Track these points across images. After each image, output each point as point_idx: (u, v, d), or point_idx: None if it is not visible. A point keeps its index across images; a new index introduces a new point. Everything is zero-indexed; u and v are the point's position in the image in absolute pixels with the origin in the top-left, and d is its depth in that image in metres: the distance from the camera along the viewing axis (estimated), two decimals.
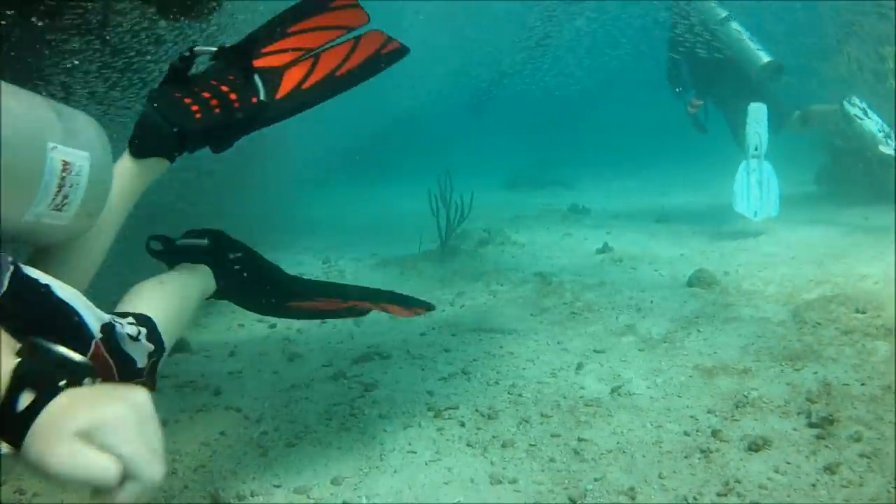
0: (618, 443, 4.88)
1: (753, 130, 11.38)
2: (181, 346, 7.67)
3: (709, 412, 5.16)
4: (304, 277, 4.26)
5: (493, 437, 5.12)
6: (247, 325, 8.67)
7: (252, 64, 3.42)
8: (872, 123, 11.42)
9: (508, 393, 5.81)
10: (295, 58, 3.47)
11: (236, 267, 3.79)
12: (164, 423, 5.61)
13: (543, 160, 25.02)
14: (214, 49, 3.42)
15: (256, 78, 3.38)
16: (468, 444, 5.05)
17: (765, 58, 11.95)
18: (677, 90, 12.99)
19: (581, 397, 5.63)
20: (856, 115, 11.57)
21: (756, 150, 11.38)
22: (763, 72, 12.04)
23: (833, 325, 6.64)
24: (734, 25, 12.27)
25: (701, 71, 12.67)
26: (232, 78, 3.36)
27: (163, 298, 3.12)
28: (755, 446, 4.55)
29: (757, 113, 11.44)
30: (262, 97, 3.33)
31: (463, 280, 9.85)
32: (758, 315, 7.18)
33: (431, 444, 5.11)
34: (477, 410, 5.53)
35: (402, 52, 3.59)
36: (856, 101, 11.74)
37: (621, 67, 27.82)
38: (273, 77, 3.42)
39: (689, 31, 12.47)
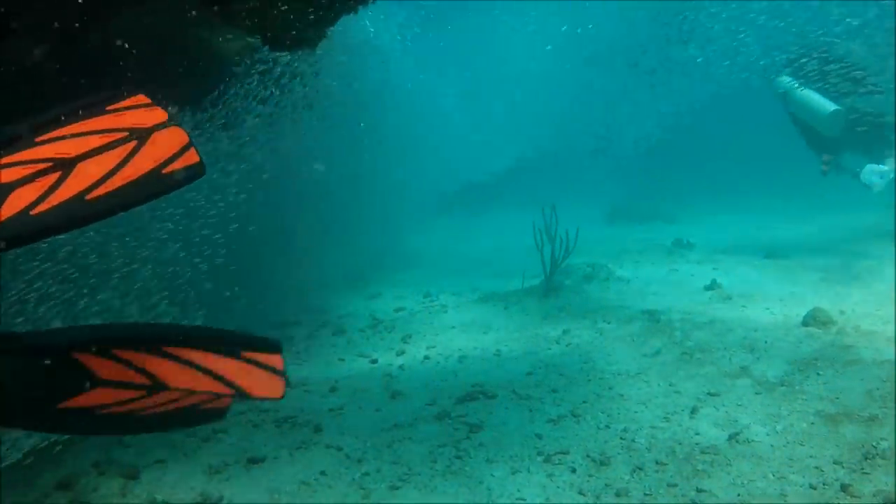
0: (739, 495, 4.66)
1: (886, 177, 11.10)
2: None
3: (835, 463, 4.90)
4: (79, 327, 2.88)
5: (606, 484, 4.95)
6: (347, 360, 8.69)
7: None
8: None
9: (621, 438, 5.63)
10: (36, 171, 2.54)
11: None
12: (263, 459, 5.65)
13: (644, 193, 24.70)
14: None
15: None
16: (580, 492, 4.90)
17: (829, 107, 11.61)
18: (819, 154, 12.75)
19: (697, 444, 5.42)
20: None
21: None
22: (832, 122, 11.70)
23: None
24: (800, 92, 12.02)
25: (813, 135, 12.48)
26: None
27: None
28: None
29: (872, 172, 11.16)
30: None
31: (568, 317, 9.68)
32: (880, 358, 6.83)
33: (541, 490, 4.97)
34: (588, 456, 5.37)
35: (194, 171, 2.61)
36: None
37: (721, 99, 27.34)
38: None
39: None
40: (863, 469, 4.77)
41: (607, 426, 5.88)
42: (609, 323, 9.09)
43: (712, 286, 10.52)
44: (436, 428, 6.21)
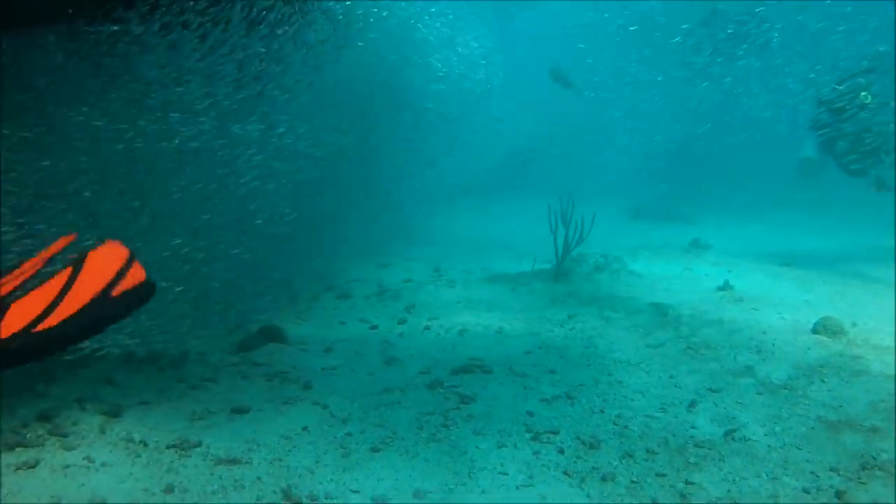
0: (728, 491, 4.52)
1: None
2: (276, 335, 7.61)
3: (832, 470, 4.74)
4: None
5: (594, 468, 4.82)
6: (348, 323, 8.59)
7: None
8: None
9: (614, 423, 5.49)
10: None
11: None
12: (248, 410, 5.56)
13: (668, 194, 24.48)
14: None
15: None
16: (565, 473, 4.76)
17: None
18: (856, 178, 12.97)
19: (692, 437, 5.27)
20: None
21: None
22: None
23: None
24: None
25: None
26: None
27: None
28: None
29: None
30: None
31: (576, 302, 9.53)
32: (889, 371, 6.64)
33: (525, 467, 4.84)
34: (578, 438, 5.23)
35: (145, 291, 2.21)
36: None
37: (750, 109, 27.02)
38: None
39: None
40: (860, 478, 4.62)
41: (602, 410, 5.75)
42: (616, 312, 8.93)
43: (725, 287, 10.33)
44: (427, 396, 6.10)
